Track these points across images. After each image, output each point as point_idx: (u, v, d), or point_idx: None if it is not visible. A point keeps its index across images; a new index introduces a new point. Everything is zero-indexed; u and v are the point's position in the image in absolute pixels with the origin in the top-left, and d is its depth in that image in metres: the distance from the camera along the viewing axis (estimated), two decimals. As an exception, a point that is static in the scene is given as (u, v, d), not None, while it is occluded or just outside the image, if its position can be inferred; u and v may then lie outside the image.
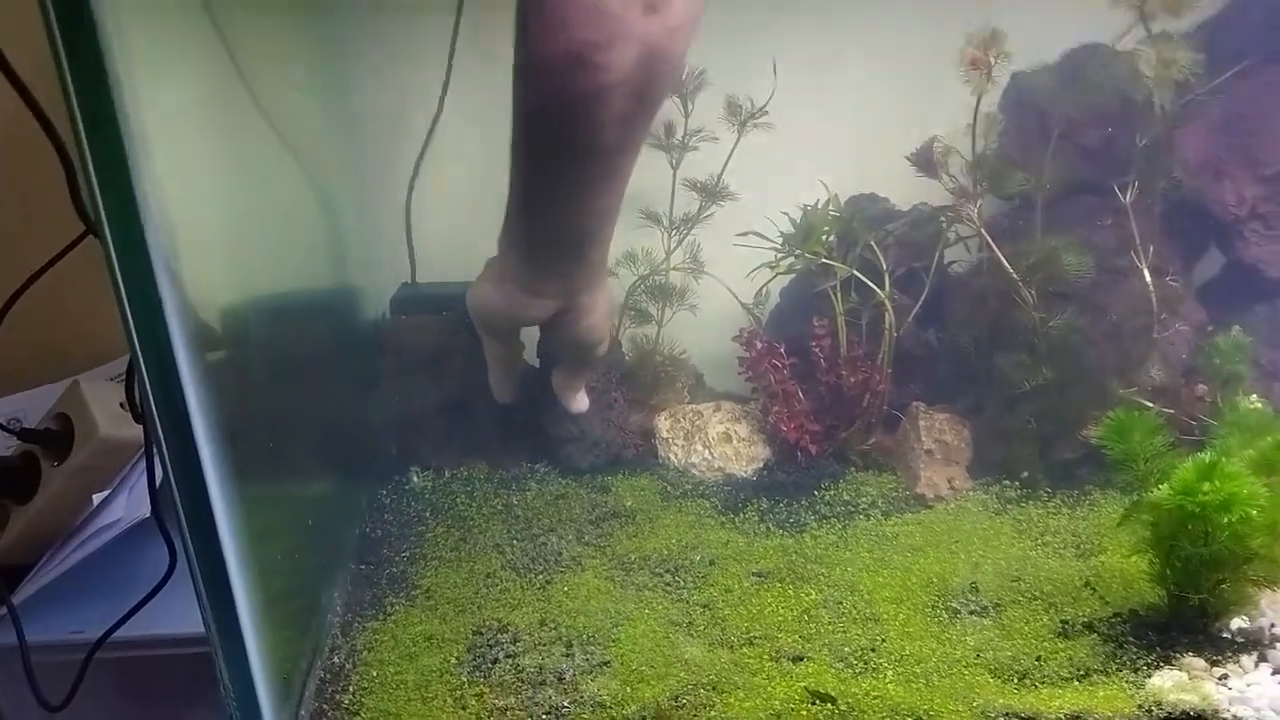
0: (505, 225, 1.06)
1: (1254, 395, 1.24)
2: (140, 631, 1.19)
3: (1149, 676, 1.01)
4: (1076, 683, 1.01)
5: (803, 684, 1.01)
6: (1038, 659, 1.04)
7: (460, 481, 1.41)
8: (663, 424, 1.49)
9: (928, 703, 0.97)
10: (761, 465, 1.44)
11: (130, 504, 1.30)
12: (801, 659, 1.06)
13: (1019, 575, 1.17)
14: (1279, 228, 1.38)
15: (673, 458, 1.46)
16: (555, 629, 1.11)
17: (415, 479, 1.41)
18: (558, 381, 1.21)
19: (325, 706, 1.00)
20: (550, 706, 0.99)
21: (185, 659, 1.20)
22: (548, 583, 1.20)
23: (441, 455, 1.44)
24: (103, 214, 0.67)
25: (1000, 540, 1.25)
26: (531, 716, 0.98)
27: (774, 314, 1.54)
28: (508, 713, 0.98)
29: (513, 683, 1.02)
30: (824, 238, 1.40)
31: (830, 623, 1.11)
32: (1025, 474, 1.35)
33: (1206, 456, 0.98)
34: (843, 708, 0.97)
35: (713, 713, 0.98)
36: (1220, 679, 1.02)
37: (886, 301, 1.39)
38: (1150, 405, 1.26)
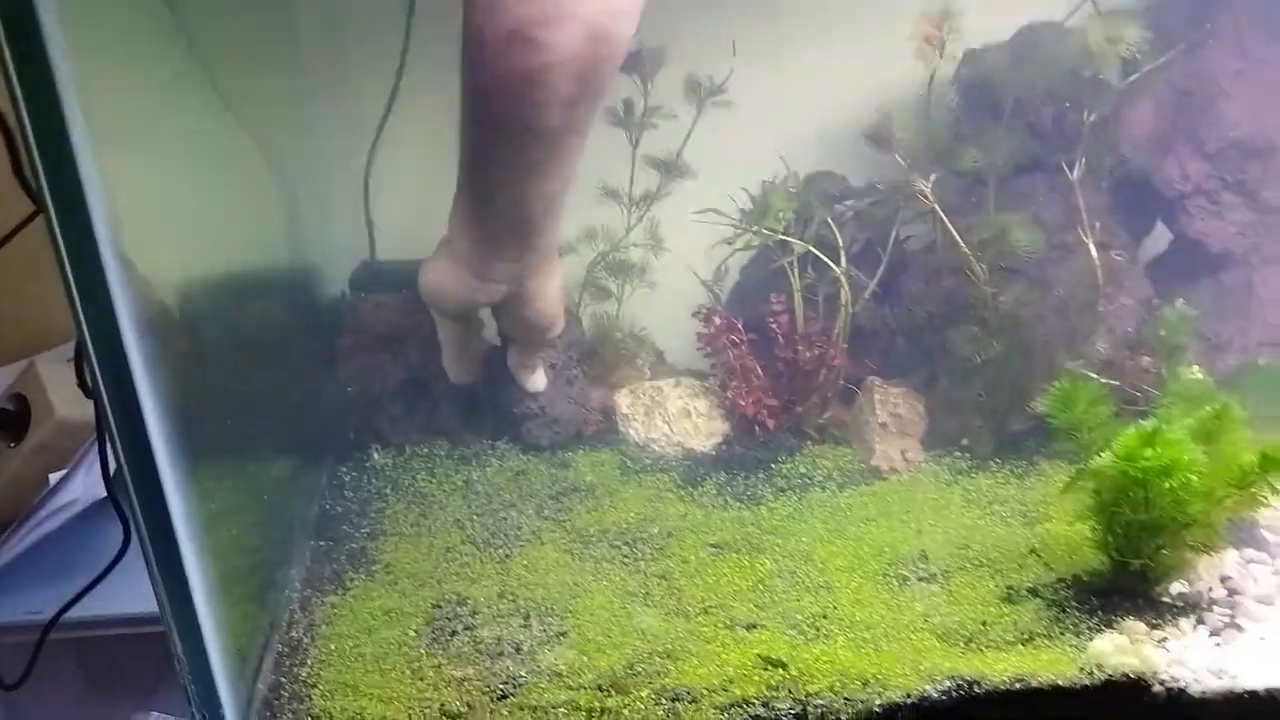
0: (454, 207, 1.07)
1: (1195, 366, 1.27)
2: (100, 611, 1.20)
3: (1090, 640, 1.04)
4: (1020, 646, 1.04)
5: (756, 651, 1.03)
6: (983, 624, 1.07)
7: (421, 459, 1.42)
8: (623, 400, 1.50)
9: (876, 667, 1.00)
10: (720, 440, 1.46)
11: (87, 484, 1.30)
12: (755, 627, 1.08)
13: (967, 543, 1.20)
14: (1223, 203, 1.41)
15: (633, 433, 1.48)
16: (514, 601, 1.12)
17: (376, 456, 1.42)
18: (513, 361, 1.21)
19: (283, 679, 1.01)
20: (507, 676, 1.00)
21: (146, 638, 1.21)
22: (507, 556, 1.21)
23: (402, 433, 1.45)
24: (44, 185, 0.67)
25: (950, 510, 1.28)
26: (489, 686, 0.99)
27: (734, 291, 1.56)
28: (465, 683, 1.00)
29: (470, 654, 1.04)
30: (781, 215, 1.41)
31: (784, 591, 1.14)
32: (965, 440, 1.38)
33: (1149, 424, 1.01)
34: (793, 673, 1.00)
35: (667, 680, 1.00)
36: (1160, 642, 1.05)
37: (843, 278, 1.41)
38: (1096, 377, 1.29)
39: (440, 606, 1.11)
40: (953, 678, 0.98)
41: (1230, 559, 1.17)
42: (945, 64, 1.33)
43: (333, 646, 1.05)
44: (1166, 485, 0.99)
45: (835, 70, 1.51)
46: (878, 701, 0.97)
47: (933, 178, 1.33)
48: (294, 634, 1.07)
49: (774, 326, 1.44)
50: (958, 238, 1.33)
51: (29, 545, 1.30)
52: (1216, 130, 1.38)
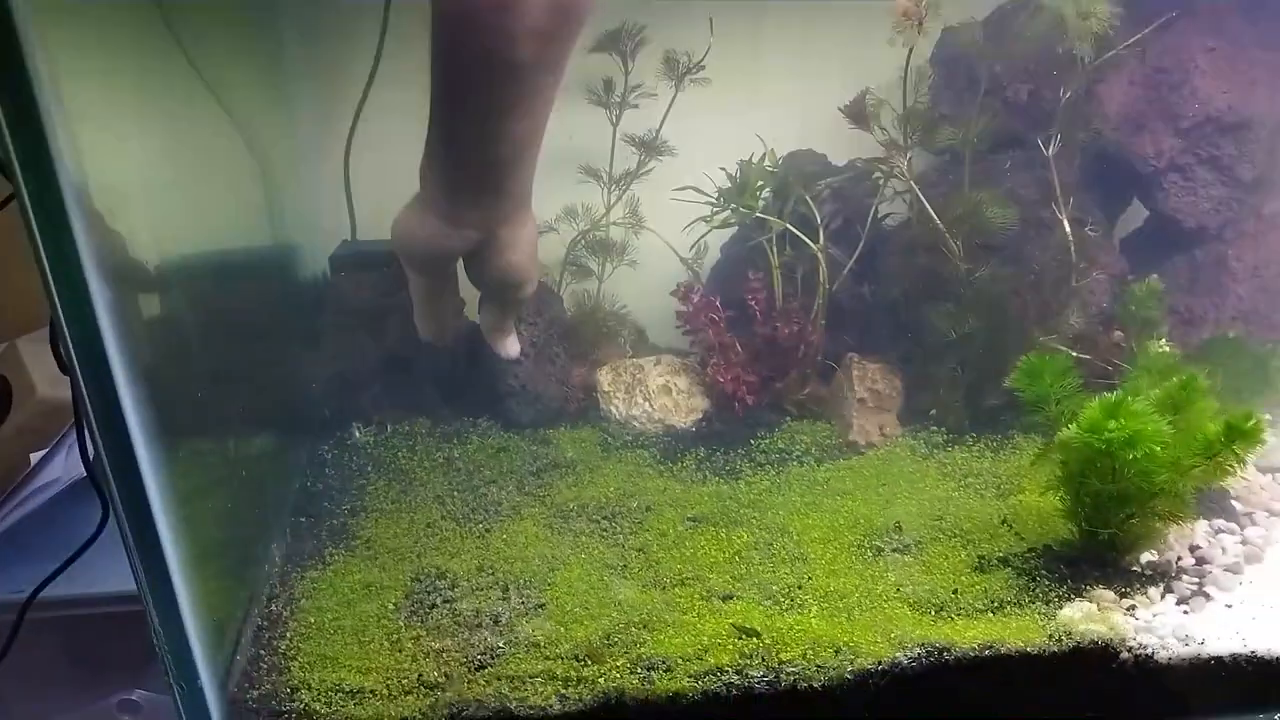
0: (426, 151, 1.02)
1: (1164, 340, 1.28)
2: (83, 590, 1.21)
3: (1060, 608, 1.06)
4: (990, 614, 1.06)
5: (731, 621, 1.04)
6: (954, 592, 1.08)
7: (402, 436, 1.43)
8: (604, 378, 1.51)
9: (848, 635, 1.02)
10: (700, 416, 1.47)
11: (69, 463, 1.31)
12: (731, 598, 1.09)
13: (941, 515, 1.22)
14: (1197, 179, 1.42)
15: (614, 410, 1.49)
16: (493, 575, 1.13)
17: (357, 434, 1.43)
18: (485, 323, 1.16)
19: (262, 652, 1.02)
20: (485, 648, 1.02)
21: (130, 616, 1.21)
22: (487, 531, 1.22)
23: (383, 410, 1.45)
24: (16, 164, 0.67)
25: (925, 483, 1.30)
26: (467, 657, 1.01)
27: (713, 269, 1.56)
28: (443, 654, 1.01)
29: (449, 626, 1.05)
30: (759, 192, 1.42)
31: (760, 563, 1.15)
32: (940, 415, 1.40)
33: (1112, 396, 1.03)
34: (767, 641, 1.01)
35: (643, 650, 1.01)
36: (1128, 610, 1.07)
37: (820, 255, 1.42)
38: (1069, 351, 1.31)
39: (420, 580, 1.13)
40: (923, 645, 1.00)
41: (1200, 529, 1.19)
42: (924, 41, 1.33)
43: (312, 620, 1.06)
44: (1131, 456, 1.00)
45: (814, 48, 1.52)
46: (849, 669, 0.99)
47: (909, 155, 1.34)
48: (273, 608, 1.09)
49: (753, 303, 1.45)
50: (933, 214, 1.34)
51: (10, 525, 1.30)
52: (1190, 107, 1.39)
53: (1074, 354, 1.30)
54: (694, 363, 1.52)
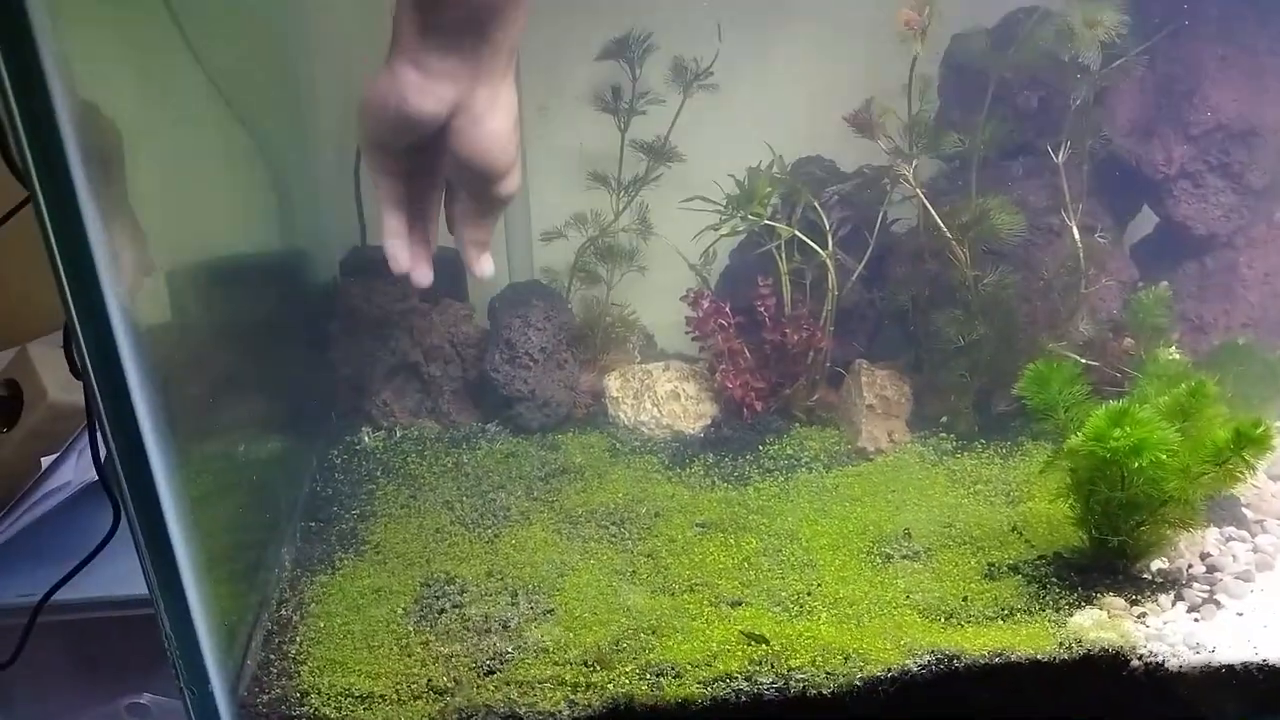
0: None
1: (1173, 347, 1.28)
2: (92, 593, 1.21)
3: (1070, 615, 1.06)
4: (1001, 621, 1.06)
5: (740, 627, 1.04)
6: (964, 599, 1.08)
7: (411, 441, 1.43)
8: (613, 383, 1.52)
9: (857, 642, 1.02)
10: (709, 422, 1.47)
11: (79, 467, 1.31)
12: (740, 604, 1.09)
13: (950, 522, 1.22)
14: (1207, 186, 1.42)
15: (622, 416, 1.49)
16: (501, 580, 1.14)
17: (366, 439, 1.43)
18: (461, 229, 1.00)
19: (272, 656, 1.02)
20: (494, 653, 1.02)
21: (139, 620, 1.22)
22: (496, 537, 1.23)
23: (392, 416, 1.46)
24: (31, 166, 0.68)
25: (935, 490, 1.30)
26: (476, 662, 1.01)
27: (722, 275, 1.57)
28: (452, 659, 1.01)
29: (458, 631, 1.05)
30: (768, 199, 1.42)
31: (769, 569, 1.15)
32: (950, 421, 1.40)
33: (1118, 404, 1.02)
34: (776, 648, 1.01)
35: (652, 655, 1.01)
36: (1139, 617, 1.07)
37: (829, 261, 1.42)
38: (1078, 358, 1.31)
39: (429, 585, 1.13)
40: (933, 652, 1.00)
41: (1210, 536, 1.18)
42: (931, 49, 1.33)
43: (322, 624, 1.07)
44: (1137, 464, 1.00)
45: (823, 54, 1.52)
46: (858, 676, 0.99)
47: (914, 163, 1.34)
48: (283, 612, 1.09)
49: (761, 310, 1.45)
50: (939, 221, 1.34)
51: (21, 528, 1.31)
52: (1201, 114, 1.39)
53: (1083, 361, 1.30)
54: (702, 369, 1.52)
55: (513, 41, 0.92)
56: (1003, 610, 1.07)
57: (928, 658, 1.00)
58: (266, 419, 1.26)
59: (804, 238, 1.42)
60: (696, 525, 1.24)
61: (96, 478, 1.26)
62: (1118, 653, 1.02)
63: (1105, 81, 1.31)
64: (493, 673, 1.00)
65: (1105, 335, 1.36)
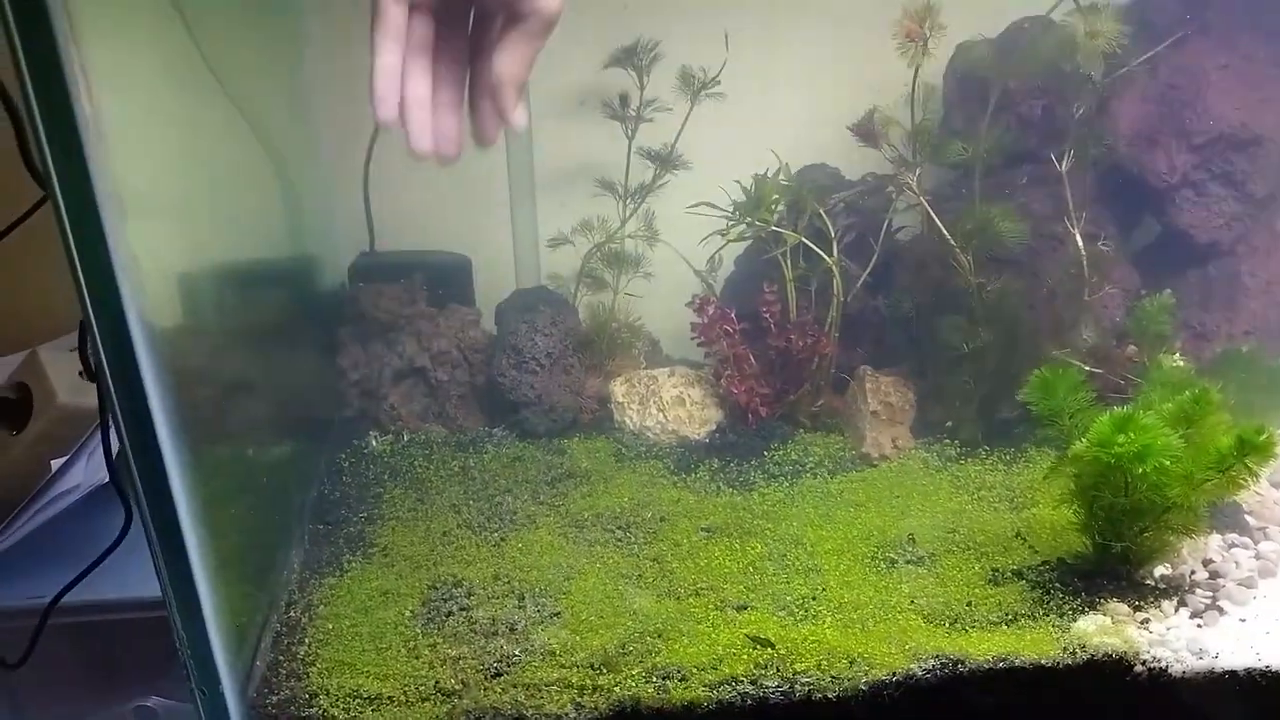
0: None
1: (1177, 354, 1.29)
2: (101, 596, 1.22)
3: (1074, 621, 1.07)
4: (1005, 627, 1.06)
5: (745, 631, 1.05)
6: (968, 604, 1.09)
7: (418, 445, 1.44)
8: (618, 389, 1.52)
9: (862, 646, 1.02)
10: (714, 427, 1.48)
11: (89, 470, 1.32)
12: (745, 608, 1.10)
13: (954, 527, 1.22)
14: (1210, 195, 1.43)
15: (628, 421, 1.50)
16: (508, 583, 1.14)
17: (374, 443, 1.44)
18: (495, 63, 0.76)
19: (281, 658, 1.03)
20: (501, 655, 1.03)
21: (147, 623, 1.23)
22: (502, 540, 1.23)
23: (400, 420, 1.47)
24: (51, 167, 0.69)
25: (939, 495, 1.31)
26: (483, 665, 1.01)
27: (727, 281, 1.58)
28: (460, 661, 1.02)
29: (465, 633, 1.06)
30: (775, 205, 1.43)
31: (774, 574, 1.16)
32: (954, 428, 1.41)
33: (1122, 410, 1.03)
34: (781, 652, 1.02)
35: (658, 659, 1.02)
36: (1142, 623, 1.07)
37: (834, 268, 1.43)
38: (1082, 365, 1.31)
39: (436, 588, 1.13)
40: (937, 657, 1.01)
41: (1213, 542, 1.19)
42: (936, 58, 1.35)
43: (330, 626, 1.07)
44: (1141, 470, 1.01)
45: (828, 63, 1.53)
46: (863, 680, 0.99)
47: (917, 171, 1.35)
48: (292, 614, 1.10)
49: (767, 316, 1.46)
50: (943, 229, 1.35)
51: (31, 531, 1.32)
52: (1203, 123, 1.40)
53: (1087, 368, 1.31)
54: (708, 374, 1.53)
55: None
56: (1007, 615, 1.08)
57: (932, 662, 1.00)
58: (275, 422, 1.27)
59: (810, 244, 1.42)
60: (702, 530, 1.25)
61: (106, 480, 1.27)
62: (1121, 658, 1.03)
63: (1108, 91, 1.32)
64: (500, 675, 1.01)
65: (1108, 343, 1.37)
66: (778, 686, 0.99)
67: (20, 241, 1.05)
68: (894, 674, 0.99)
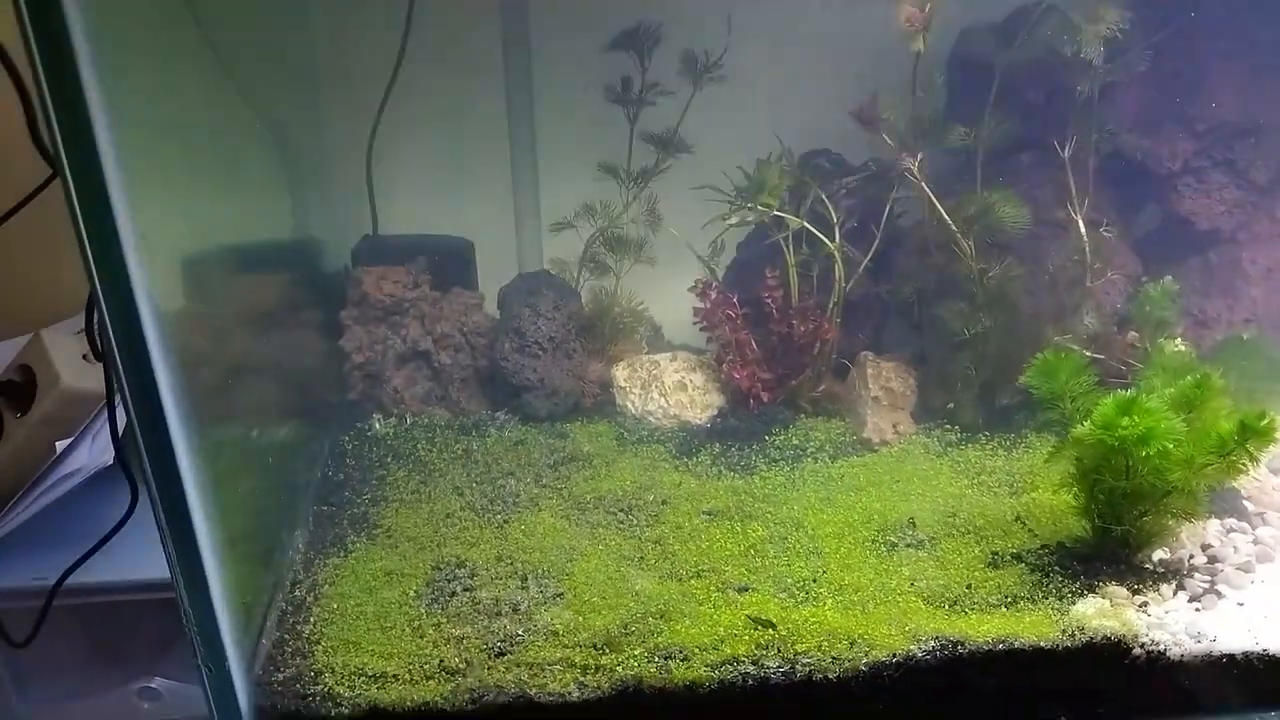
0: None
1: (1178, 339, 1.29)
2: (105, 577, 1.23)
3: (1073, 604, 1.07)
4: (1004, 609, 1.07)
5: (746, 612, 1.06)
6: (968, 587, 1.10)
7: (421, 428, 1.45)
8: (620, 373, 1.53)
9: (863, 627, 1.03)
10: (715, 412, 1.49)
11: (93, 452, 1.32)
12: (747, 589, 1.11)
13: (955, 511, 1.23)
14: (1211, 182, 1.43)
15: (630, 406, 1.50)
16: (512, 564, 1.15)
17: (377, 425, 1.45)
18: None
19: (287, 636, 1.04)
20: (505, 635, 1.03)
21: (150, 605, 1.24)
22: (505, 522, 1.24)
23: (403, 403, 1.47)
24: (61, 145, 0.69)
25: (939, 480, 1.31)
26: (487, 644, 1.02)
27: (730, 266, 1.58)
28: (464, 641, 1.03)
29: (469, 613, 1.07)
30: (778, 190, 1.43)
31: (775, 556, 1.16)
32: (954, 412, 1.41)
33: (1127, 393, 1.04)
34: (783, 633, 1.03)
35: (660, 639, 1.03)
36: (1141, 606, 1.08)
37: (836, 253, 1.43)
38: (1083, 351, 1.32)
39: (440, 569, 1.14)
40: (937, 638, 1.02)
41: (1212, 527, 1.20)
42: (940, 44, 1.35)
43: (335, 605, 1.08)
44: (1144, 453, 1.01)
45: (832, 47, 1.53)
46: (864, 661, 1.00)
47: (919, 156, 1.35)
48: (297, 593, 1.10)
49: (769, 301, 1.46)
50: (944, 215, 1.35)
51: (36, 512, 1.32)
52: (1205, 111, 1.40)
53: (1088, 354, 1.31)
54: (710, 359, 1.53)
55: None
56: (1006, 598, 1.09)
57: (932, 644, 1.01)
58: (280, 404, 1.28)
59: (813, 230, 1.43)
60: (703, 513, 1.26)
61: (111, 462, 1.28)
62: (1120, 641, 1.03)
63: (1110, 77, 1.32)
64: (504, 654, 1.01)
65: (1110, 329, 1.37)
66: (779, 667, 0.99)
67: (21, 227, 1.06)
68: (894, 655, 1.00)
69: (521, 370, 1.46)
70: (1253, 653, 1.04)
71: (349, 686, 0.97)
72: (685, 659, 1.00)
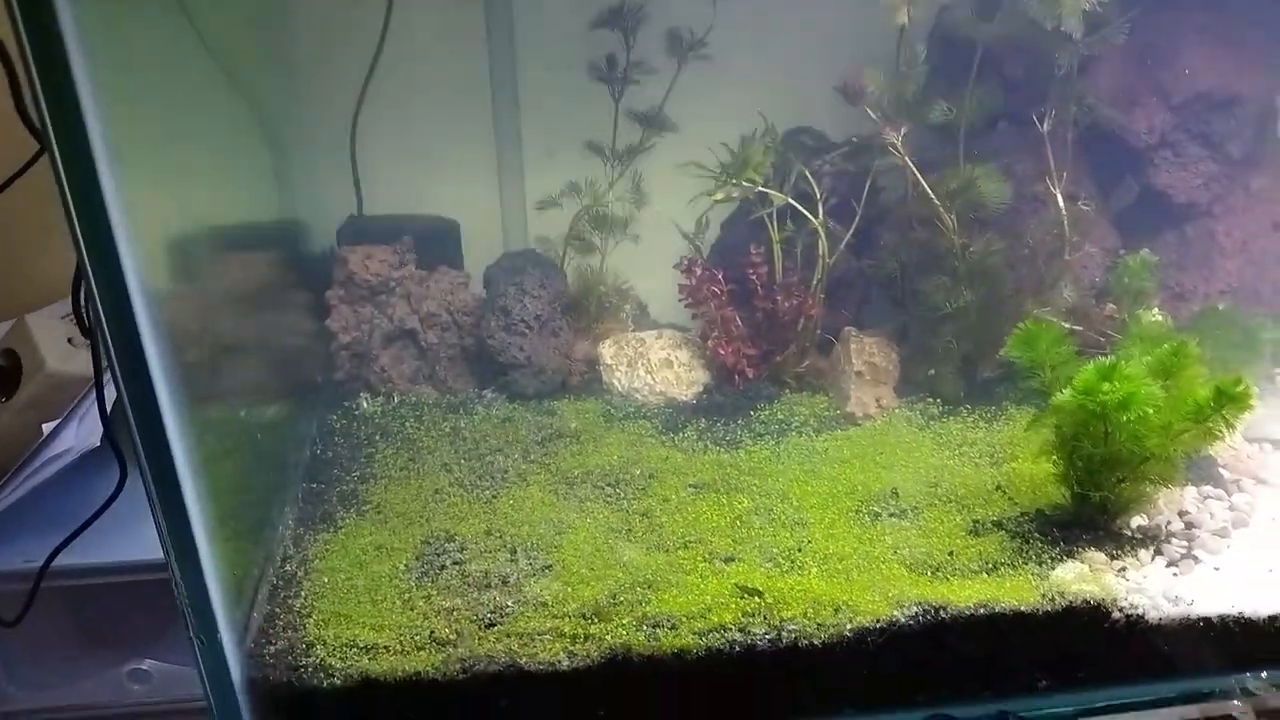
0: None
1: (1155, 309, 1.31)
2: (94, 559, 1.23)
3: (1053, 569, 1.09)
4: (985, 575, 1.09)
5: (733, 581, 1.07)
6: (950, 554, 1.12)
7: (409, 407, 1.45)
8: (607, 351, 1.54)
9: (847, 594, 1.05)
10: (701, 389, 1.50)
11: (80, 433, 1.33)
12: (733, 560, 1.12)
13: (937, 482, 1.25)
14: (1188, 155, 1.45)
15: (616, 383, 1.51)
16: (500, 538, 1.16)
17: (365, 404, 1.45)
18: None
19: (278, 610, 1.04)
20: (495, 606, 1.04)
21: (140, 586, 1.24)
22: (494, 497, 1.25)
23: (390, 382, 1.48)
24: (48, 120, 0.69)
25: (921, 452, 1.33)
26: (477, 616, 1.03)
27: (714, 243, 1.59)
28: (454, 613, 1.04)
29: (459, 586, 1.08)
30: (763, 167, 1.44)
31: (761, 527, 1.18)
32: (936, 385, 1.43)
33: (1107, 360, 1.05)
34: (769, 600, 1.04)
35: (648, 608, 1.04)
36: (1119, 571, 1.10)
37: (820, 229, 1.44)
38: (1062, 323, 1.33)
39: (429, 543, 1.15)
40: (920, 604, 1.03)
41: (1189, 494, 1.22)
42: (923, 21, 1.35)
43: (326, 579, 1.09)
44: (1124, 418, 1.03)
45: (816, 24, 1.54)
46: (848, 626, 1.02)
47: (903, 130, 1.36)
48: (288, 568, 1.11)
49: (753, 278, 1.47)
50: (928, 189, 1.36)
51: (23, 495, 1.32)
52: (1182, 84, 1.42)
53: (1067, 326, 1.33)
54: (695, 336, 1.54)
55: None
56: (987, 564, 1.11)
57: (915, 609, 1.03)
58: (268, 384, 1.28)
59: (797, 206, 1.44)
60: (690, 486, 1.27)
61: (98, 444, 1.28)
62: (1099, 605, 1.05)
63: (1088, 50, 1.33)
64: (493, 625, 1.03)
65: (1088, 301, 1.39)
66: (765, 634, 1.01)
67: (4, 212, 1.05)
68: (878, 621, 1.02)
69: (508, 348, 1.47)
70: (1229, 616, 1.06)
71: (340, 658, 0.98)
72: (673, 627, 1.02)
